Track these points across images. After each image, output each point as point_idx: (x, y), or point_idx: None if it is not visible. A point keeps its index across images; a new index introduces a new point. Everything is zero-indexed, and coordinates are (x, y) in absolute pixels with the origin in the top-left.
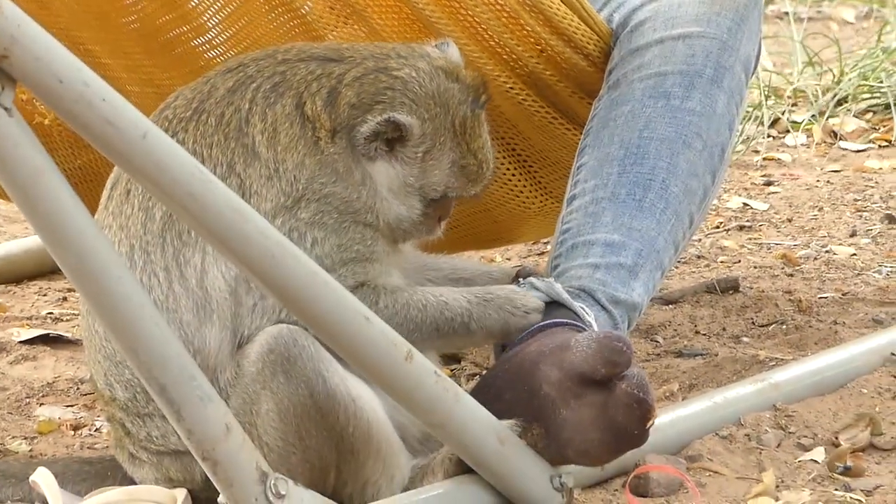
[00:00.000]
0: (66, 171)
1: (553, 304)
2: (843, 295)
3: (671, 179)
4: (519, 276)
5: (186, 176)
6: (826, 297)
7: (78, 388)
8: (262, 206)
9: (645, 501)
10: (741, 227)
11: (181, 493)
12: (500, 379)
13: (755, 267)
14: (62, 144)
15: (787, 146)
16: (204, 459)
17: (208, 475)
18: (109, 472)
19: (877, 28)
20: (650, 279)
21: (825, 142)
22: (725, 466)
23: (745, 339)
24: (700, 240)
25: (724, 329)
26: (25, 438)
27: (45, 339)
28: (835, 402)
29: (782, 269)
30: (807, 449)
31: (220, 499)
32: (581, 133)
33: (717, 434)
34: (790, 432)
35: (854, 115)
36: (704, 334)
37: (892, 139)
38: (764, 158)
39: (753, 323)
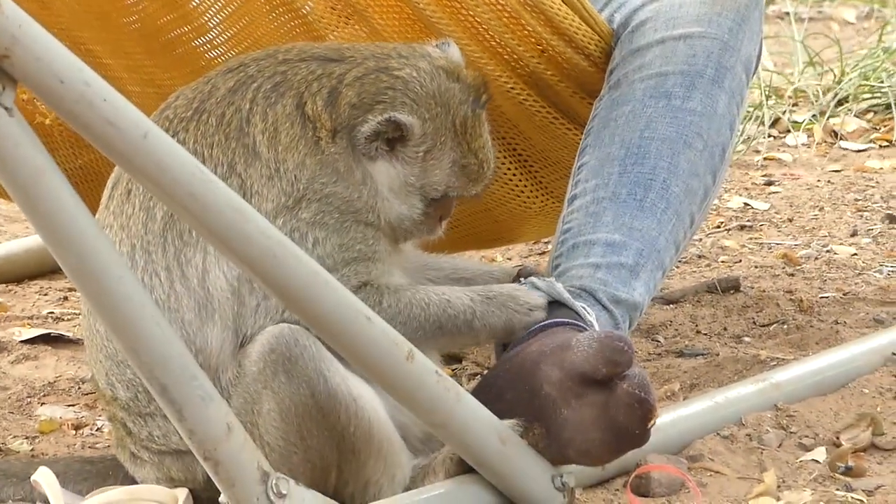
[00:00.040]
0: (67, 171)
1: (554, 304)
2: (844, 295)
3: (672, 179)
4: (520, 276)
5: (187, 176)
6: (827, 297)
7: (79, 388)
8: (264, 206)
9: (646, 501)
10: (742, 227)
11: (182, 493)
12: (501, 379)
13: (756, 267)
14: (63, 144)
15: (788, 146)
16: (205, 459)
17: (210, 475)
18: (111, 472)
19: (878, 28)
20: (651, 279)
21: (826, 142)
22: (727, 466)
23: (746, 338)
24: (701, 239)
25: (725, 329)
26: (27, 438)
27: (47, 339)
28: (836, 402)
29: (783, 268)
30: (808, 449)
31: (222, 498)
32: (582, 133)
33: (718, 434)
34: (791, 432)
35: (855, 115)
36: (705, 334)
37: (893, 139)
38: (765, 158)
39: (754, 323)
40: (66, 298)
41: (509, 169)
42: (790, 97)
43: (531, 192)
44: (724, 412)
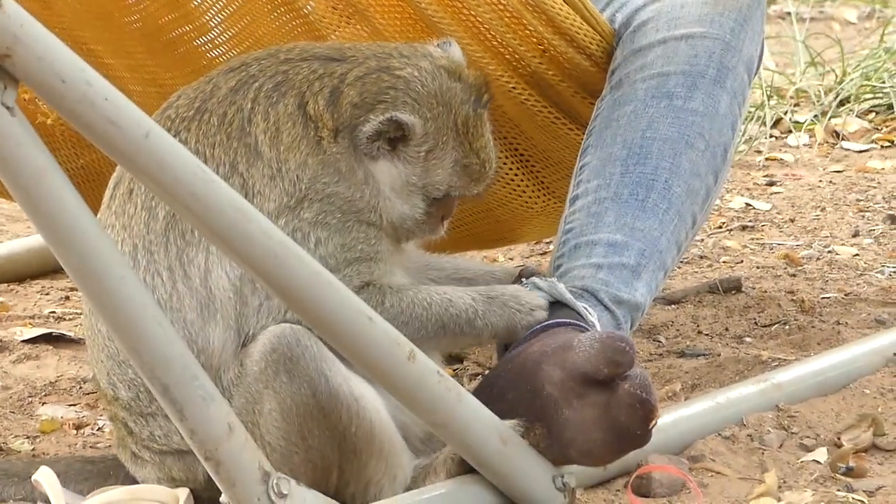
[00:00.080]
0: (69, 171)
1: (556, 304)
2: (845, 295)
3: (674, 180)
4: (522, 276)
5: (189, 176)
6: (828, 298)
7: (80, 388)
8: (265, 206)
9: (647, 502)
10: (744, 228)
11: (183, 493)
12: (502, 379)
13: (758, 267)
14: (65, 144)
15: (790, 146)
16: (206, 459)
17: (211, 475)
18: (112, 472)
19: (879, 28)
20: (653, 279)
21: (827, 142)
22: (728, 467)
23: (747, 339)
24: (702, 240)
25: (726, 329)
26: (28, 437)
27: (48, 338)
28: (837, 403)
29: (785, 269)
30: (809, 449)
31: (223, 498)
32: (583, 133)
33: (719, 434)
34: (792, 433)
35: (856, 116)
36: (707, 334)
37: (895, 139)
38: (766, 158)
39: (756, 323)
40: (67, 298)
41: (511, 169)
42: (792, 97)
43: (533, 192)
44: (726, 412)
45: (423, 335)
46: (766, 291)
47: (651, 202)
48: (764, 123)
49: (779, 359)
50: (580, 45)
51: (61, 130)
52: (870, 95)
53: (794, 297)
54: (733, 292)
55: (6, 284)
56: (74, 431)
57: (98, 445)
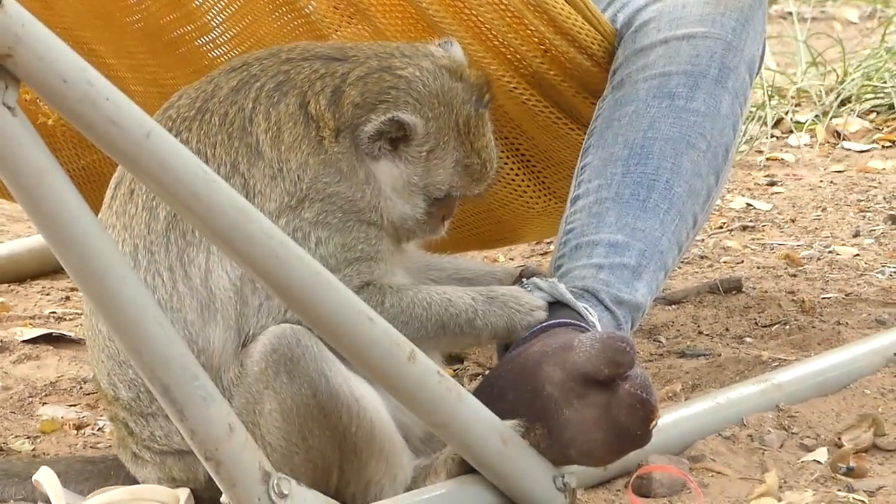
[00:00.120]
0: (70, 172)
1: (556, 305)
2: (846, 295)
3: (675, 180)
4: (522, 276)
5: (190, 175)
6: (829, 298)
7: (81, 388)
8: (266, 205)
9: (648, 502)
10: (744, 228)
11: (184, 493)
12: (502, 379)
13: (758, 267)
14: (66, 144)
15: (791, 146)
16: (207, 459)
17: (211, 475)
18: (112, 472)
19: (881, 28)
20: (654, 279)
21: (828, 142)
22: (728, 467)
23: (748, 339)
24: (703, 240)
25: (727, 329)
26: (28, 438)
27: (48, 339)
28: (838, 403)
29: (785, 269)
30: (810, 450)
31: (223, 498)
32: (585, 133)
33: (719, 434)
34: (793, 433)
35: (858, 116)
36: (707, 335)
37: None
38: (767, 159)
39: (756, 323)
40: (68, 298)
41: (512, 169)
42: (793, 97)
43: (534, 192)
44: (726, 413)
45: (423, 335)
46: (766, 292)
47: (652, 202)
48: (765, 123)
49: (779, 359)
50: (582, 44)
51: (62, 131)
52: (871, 95)
53: (794, 298)
54: (734, 292)
55: (7, 284)
56: (75, 432)
57: (98, 446)
